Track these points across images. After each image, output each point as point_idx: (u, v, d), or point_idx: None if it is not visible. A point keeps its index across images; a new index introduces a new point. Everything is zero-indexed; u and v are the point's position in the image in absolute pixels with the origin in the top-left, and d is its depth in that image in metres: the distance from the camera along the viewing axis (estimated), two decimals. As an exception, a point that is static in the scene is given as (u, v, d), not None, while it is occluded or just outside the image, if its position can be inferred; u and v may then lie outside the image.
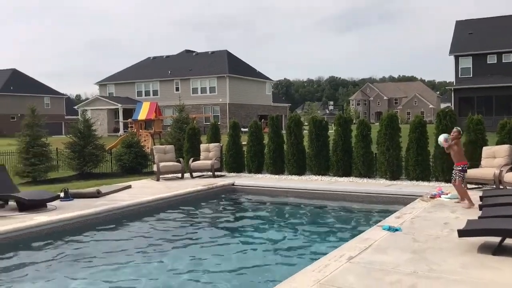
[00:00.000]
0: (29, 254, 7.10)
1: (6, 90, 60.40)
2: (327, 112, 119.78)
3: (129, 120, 37.05)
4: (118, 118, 48.78)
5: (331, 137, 13.99)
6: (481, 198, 8.12)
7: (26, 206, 9.11)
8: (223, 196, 12.33)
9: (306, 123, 18.74)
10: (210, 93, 49.51)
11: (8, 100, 59.67)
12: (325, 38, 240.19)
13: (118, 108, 49.24)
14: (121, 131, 44.85)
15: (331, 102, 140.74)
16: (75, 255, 7.05)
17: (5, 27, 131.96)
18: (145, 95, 51.97)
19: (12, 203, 9.48)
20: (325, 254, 5.95)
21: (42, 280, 6.07)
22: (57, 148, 19.45)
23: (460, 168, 8.86)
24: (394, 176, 12.66)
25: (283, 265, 6.53)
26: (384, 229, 7.06)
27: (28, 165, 16.26)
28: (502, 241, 5.78)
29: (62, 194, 10.45)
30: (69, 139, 18.12)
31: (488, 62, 38.52)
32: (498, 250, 5.69)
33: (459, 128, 9.05)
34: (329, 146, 13.99)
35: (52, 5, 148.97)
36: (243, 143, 15.95)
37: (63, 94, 71.34)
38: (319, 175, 13.87)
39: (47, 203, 9.48)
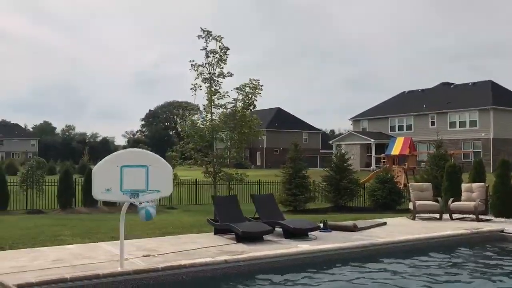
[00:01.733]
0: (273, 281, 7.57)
1: (271, 126, 68.08)
2: None
3: (382, 155, 37.09)
4: (370, 153, 49.37)
5: None
6: None
7: (290, 233, 9.86)
8: (489, 243, 10.95)
9: None
10: (470, 127, 45.75)
11: (273, 135, 67.12)
12: None
13: (370, 143, 49.92)
14: (373, 166, 45.20)
15: None
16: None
17: (275, 71, 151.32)
18: (398, 130, 51.37)
19: (278, 229, 10.39)
20: None
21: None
22: (314, 180, 20.70)
23: None
24: None
25: None
26: None
27: (290, 195, 17.75)
28: None
29: (321, 225, 10.97)
30: (325, 172, 19.12)
31: None
32: None
33: None
34: None
35: (308, 46, 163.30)
36: (515, 184, 14.01)
37: (319, 130, 76.57)
38: None
39: (308, 233, 10.07)
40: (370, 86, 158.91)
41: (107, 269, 6.82)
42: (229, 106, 14.94)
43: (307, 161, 21.48)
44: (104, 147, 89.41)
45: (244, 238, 9.15)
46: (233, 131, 14.96)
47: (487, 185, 14.01)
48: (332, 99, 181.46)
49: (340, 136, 58.30)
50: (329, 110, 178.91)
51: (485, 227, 11.77)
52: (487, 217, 13.56)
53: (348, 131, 57.24)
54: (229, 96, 14.95)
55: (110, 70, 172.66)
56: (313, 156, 57.46)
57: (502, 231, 11.48)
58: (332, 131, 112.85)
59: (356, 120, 58.26)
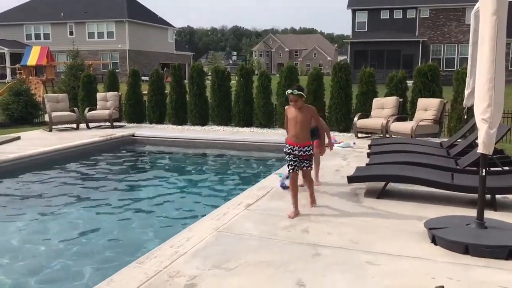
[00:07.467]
0: None
1: None
2: (231, 62, 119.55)
3: (17, 65, 34.04)
4: (5, 64, 44.67)
5: (234, 88, 14.04)
6: (369, 146, 8.73)
7: None
8: (122, 147, 11.98)
9: (209, 73, 18.56)
10: (108, 38, 46.89)
11: None
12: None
13: (4, 52, 45.01)
14: (9, 78, 41.24)
15: (235, 53, 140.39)
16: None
17: None
18: (36, 39, 47.90)
19: None
20: (224, 202, 6.10)
21: None
22: None
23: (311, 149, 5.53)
24: (292, 126, 13.08)
25: (184, 214, 6.60)
26: (281, 176, 7.36)
27: None
28: (385, 185, 6.32)
29: None
30: None
31: (381, 18, 40.58)
32: (382, 194, 6.23)
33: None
34: (232, 97, 14.05)
35: None
36: (144, 92, 15.46)
37: None
38: (221, 125, 13.96)
39: None
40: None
41: None
42: None
43: None
44: None
45: None
46: None
47: (120, 93, 14.93)
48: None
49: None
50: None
51: (118, 133, 12.71)
52: (121, 124, 14.64)
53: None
54: None
55: None
56: None
57: (133, 135, 12.72)
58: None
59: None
